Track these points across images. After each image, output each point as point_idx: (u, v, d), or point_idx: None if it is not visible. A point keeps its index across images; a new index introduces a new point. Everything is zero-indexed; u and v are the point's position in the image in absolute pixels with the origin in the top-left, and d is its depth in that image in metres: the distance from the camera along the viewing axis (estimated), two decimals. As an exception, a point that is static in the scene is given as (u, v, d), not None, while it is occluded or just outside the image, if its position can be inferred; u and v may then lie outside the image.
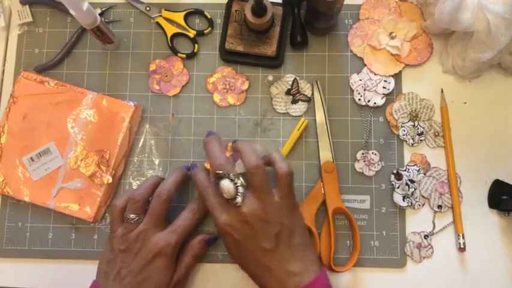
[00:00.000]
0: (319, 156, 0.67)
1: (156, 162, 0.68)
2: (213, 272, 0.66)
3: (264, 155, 0.61)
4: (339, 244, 0.65)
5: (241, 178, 0.56)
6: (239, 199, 0.55)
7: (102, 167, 0.66)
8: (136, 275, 0.58)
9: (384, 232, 0.65)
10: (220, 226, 0.56)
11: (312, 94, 0.68)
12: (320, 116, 0.68)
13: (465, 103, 0.69)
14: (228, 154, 0.66)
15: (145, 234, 0.59)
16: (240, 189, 0.56)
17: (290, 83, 0.69)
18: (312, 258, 0.57)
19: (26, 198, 0.66)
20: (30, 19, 0.71)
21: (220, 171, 0.57)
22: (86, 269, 0.64)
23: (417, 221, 0.66)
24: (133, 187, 0.68)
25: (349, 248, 0.65)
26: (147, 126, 0.69)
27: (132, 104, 0.67)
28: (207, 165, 0.65)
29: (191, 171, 0.64)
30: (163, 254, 0.59)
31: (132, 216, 0.60)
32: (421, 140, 0.67)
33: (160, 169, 0.68)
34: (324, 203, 0.65)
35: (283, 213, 0.57)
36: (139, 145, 0.69)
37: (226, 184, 0.55)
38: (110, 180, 0.66)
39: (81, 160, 0.66)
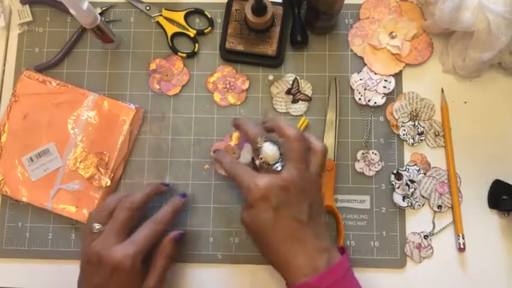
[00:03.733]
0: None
1: (156, 162, 0.68)
2: (212, 272, 0.66)
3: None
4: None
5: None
6: (279, 164, 0.55)
7: (101, 169, 0.66)
8: None
9: (383, 232, 0.65)
10: (258, 190, 0.53)
11: (329, 92, 0.69)
12: (331, 113, 0.67)
13: (465, 103, 0.69)
14: (233, 143, 0.67)
15: (105, 245, 0.56)
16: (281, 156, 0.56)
17: (290, 82, 0.69)
18: (330, 239, 0.56)
19: (24, 199, 0.66)
20: (30, 18, 0.71)
21: (262, 137, 0.56)
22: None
23: (417, 221, 0.66)
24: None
25: (348, 247, 0.65)
26: (147, 126, 0.69)
27: (134, 107, 0.67)
28: (231, 142, 0.67)
29: (214, 154, 0.63)
30: (121, 268, 0.54)
31: (96, 225, 0.57)
32: (421, 140, 0.67)
33: (161, 169, 0.68)
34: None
35: (316, 187, 0.56)
36: (139, 145, 0.68)
37: (271, 147, 0.55)
38: (109, 183, 0.66)
39: (80, 162, 0.66)
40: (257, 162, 0.56)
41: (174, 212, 0.61)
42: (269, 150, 0.55)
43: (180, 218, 0.66)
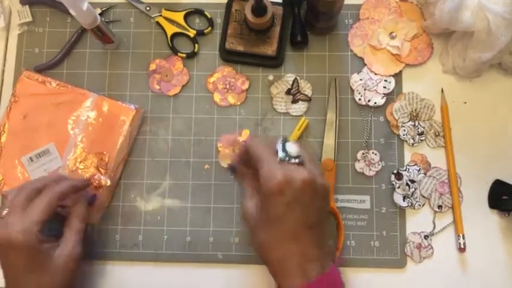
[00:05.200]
0: (321, 155, 0.67)
1: (156, 162, 0.68)
2: (212, 272, 0.65)
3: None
4: (330, 243, 0.65)
5: None
6: (301, 158, 0.52)
7: (101, 169, 0.66)
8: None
9: (384, 232, 0.65)
10: (276, 182, 0.50)
11: (329, 93, 0.68)
12: (331, 114, 0.68)
13: (465, 103, 0.69)
14: (242, 139, 0.68)
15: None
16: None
17: (290, 82, 0.69)
18: (331, 251, 0.56)
19: (24, 199, 0.66)
20: (30, 19, 0.71)
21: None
22: (85, 270, 0.64)
23: (417, 221, 0.65)
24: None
25: (349, 247, 0.65)
26: (147, 126, 0.69)
27: (133, 107, 0.67)
28: (240, 138, 0.68)
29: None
30: (16, 242, 0.52)
31: (3, 212, 0.56)
32: (421, 140, 0.67)
33: (161, 169, 0.68)
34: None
35: (327, 195, 0.55)
36: (139, 145, 0.68)
37: (292, 143, 0.53)
38: (108, 183, 0.66)
39: (80, 162, 0.66)
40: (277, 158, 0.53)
41: (74, 189, 0.60)
42: (291, 145, 0.53)
43: (181, 218, 0.66)
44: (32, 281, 0.54)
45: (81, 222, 0.59)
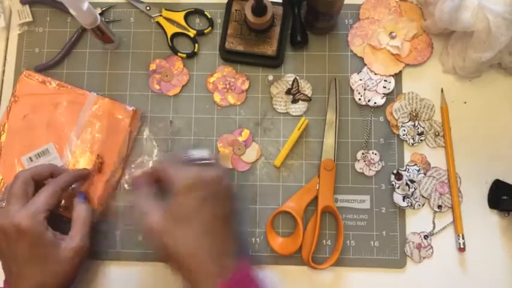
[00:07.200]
0: (320, 154, 0.67)
1: (156, 162, 0.68)
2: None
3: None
4: (330, 243, 0.66)
5: None
6: (211, 160, 0.57)
7: (100, 170, 0.66)
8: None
9: (383, 232, 0.65)
10: (188, 178, 0.53)
11: (328, 92, 0.69)
12: (331, 114, 0.68)
13: (465, 103, 0.69)
14: (241, 140, 0.68)
15: (3, 215, 0.55)
16: None
17: (290, 82, 0.69)
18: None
19: (23, 199, 0.66)
20: (30, 19, 0.71)
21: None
22: (84, 268, 0.64)
23: (417, 221, 0.66)
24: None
25: (349, 247, 0.65)
26: (147, 126, 0.69)
27: (130, 109, 0.67)
28: (240, 138, 0.68)
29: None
30: (23, 228, 0.53)
31: (2, 203, 0.57)
32: (421, 140, 0.67)
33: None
34: (316, 198, 0.65)
35: (233, 195, 0.57)
36: (140, 145, 0.68)
37: (202, 149, 0.58)
38: (108, 183, 0.66)
39: (80, 162, 0.66)
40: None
41: (76, 178, 0.63)
42: (203, 150, 0.58)
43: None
44: (35, 272, 0.55)
45: (88, 217, 0.60)
